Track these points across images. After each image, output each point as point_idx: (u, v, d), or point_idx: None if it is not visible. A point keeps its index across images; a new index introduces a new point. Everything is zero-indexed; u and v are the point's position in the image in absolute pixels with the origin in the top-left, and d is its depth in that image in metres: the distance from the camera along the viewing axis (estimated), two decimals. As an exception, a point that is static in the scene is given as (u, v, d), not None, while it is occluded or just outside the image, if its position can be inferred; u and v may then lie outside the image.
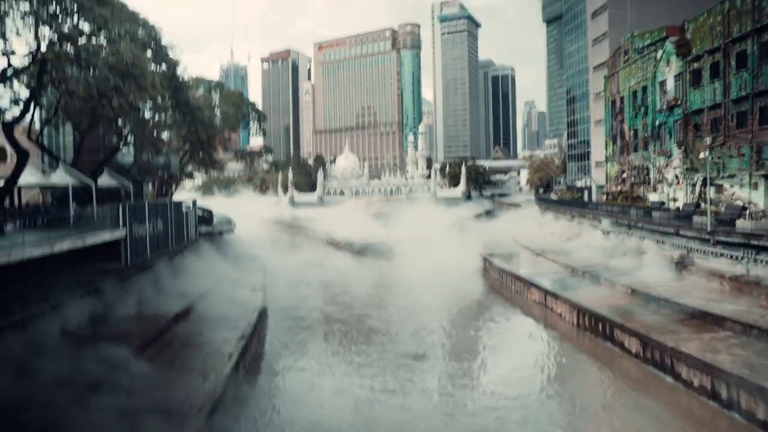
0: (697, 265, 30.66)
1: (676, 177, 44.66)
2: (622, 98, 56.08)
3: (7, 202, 27.11)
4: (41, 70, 25.37)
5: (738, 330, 20.87)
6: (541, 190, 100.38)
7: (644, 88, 50.43)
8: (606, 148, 61.83)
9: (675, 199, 44.34)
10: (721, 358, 18.32)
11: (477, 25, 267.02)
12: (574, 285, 32.47)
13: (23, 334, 17.46)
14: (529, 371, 22.80)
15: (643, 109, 50.80)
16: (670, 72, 45.12)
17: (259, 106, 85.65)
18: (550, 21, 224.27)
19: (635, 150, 52.98)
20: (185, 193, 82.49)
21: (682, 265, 31.59)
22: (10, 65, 24.54)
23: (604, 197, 59.47)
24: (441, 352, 26.54)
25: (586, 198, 69.07)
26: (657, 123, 47.78)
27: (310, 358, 25.19)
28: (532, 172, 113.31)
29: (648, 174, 50.09)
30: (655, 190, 48.30)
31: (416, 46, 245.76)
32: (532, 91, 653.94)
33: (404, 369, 23.44)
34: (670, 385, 19.44)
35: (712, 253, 29.77)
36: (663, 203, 44.19)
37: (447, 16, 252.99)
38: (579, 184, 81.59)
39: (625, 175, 55.22)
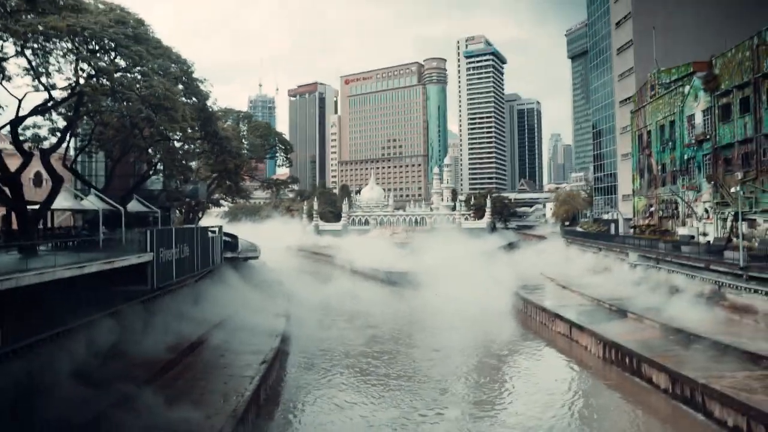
0: (729, 301, 29.89)
1: (706, 211, 43.88)
2: (649, 132, 55.70)
3: (41, 224, 27.84)
4: (78, 103, 26.41)
5: (774, 368, 20.21)
6: (566, 223, 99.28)
7: (672, 123, 50.05)
8: (633, 182, 61.21)
9: (705, 234, 43.46)
10: (758, 398, 17.64)
11: (502, 60, 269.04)
12: (600, 318, 31.91)
13: (52, 350, 17.82)
14: (555, 405, 22.27)
15: (670, 143, 50.34)
16: (698, 107, 44.77)
17: (286, 137, 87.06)
18: (575, 57, 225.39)
19: (663, 184, 52.33)
20: (212, 220, 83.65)
21: (713, 300, 30.83)
22: (51, 98, 25.57)
23: (632, 230, 58.63)
24: (464, 385, 25.93)
25: (612, 231, 68.13)
26: (685, 157, 47.23)
27: (330, 391, 24.71)
28: (557, 205, 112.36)
29: (677, 208, 49.34)
30: (684, 224, 47.48)
31: (442, 80, 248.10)
32: (558, 124, 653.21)
33: (428, 396, 23.01)
34: (701, 424, 18.82)
35: (745, 288, 29.01)
36: (692, 237, 43.36)
37: (472, 52, 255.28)
38: (605, 217, 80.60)
39: (653, 209, 54.46)
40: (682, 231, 46.84)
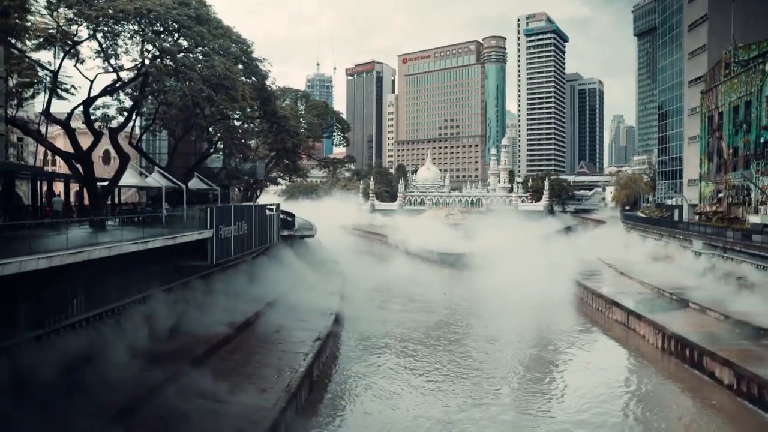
0: (803, 294, 28.31)
1: (782, 198, 41.52)
2: (720, 114, 52.88)
3: (109, 200, 29.18)
4: (144, 83, 27.39)
5: None
6: (627, 208, 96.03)
7: (747, 104, 47.30)
8: (700, 166, 58.47)
9: (779, 222, 41.15)
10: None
11: (564, 38, 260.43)
12: (659, 307, 30.87)
13: (117, 321, 18.78)
14: (611, 399, 21.59)
15: (745, 125, 47.64)
16: (777, 86, 42.15)
17: (343, 116, 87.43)
18: (642, 34, 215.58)
19: (734, 169, 49.73)
20: (270, 198, 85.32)
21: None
22: (119, 79, 26.63)
23: (697, 217, 56.14)
24: (517, 377, 25.40)
25: (676, 217, 65.43)
26: (762, 140, 44.61)
27: (380, 375, 24.59)
28: (618, 189, 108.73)
29: (748, 194, 46.83)
30: (756, 211, 45.02)
31: (501, 59, 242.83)
32: (621, 105, 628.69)
33: (479, 391, 22.70)
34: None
35: (820, 281, 27.41)
36: (766, 226, 41.13)
37: (533, 30, 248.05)
38: (669, 202, 77.43)
39: (721, 195, 51.91)
40: (753, 219, 44.44)
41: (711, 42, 66.03)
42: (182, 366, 17.70)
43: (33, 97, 29.38)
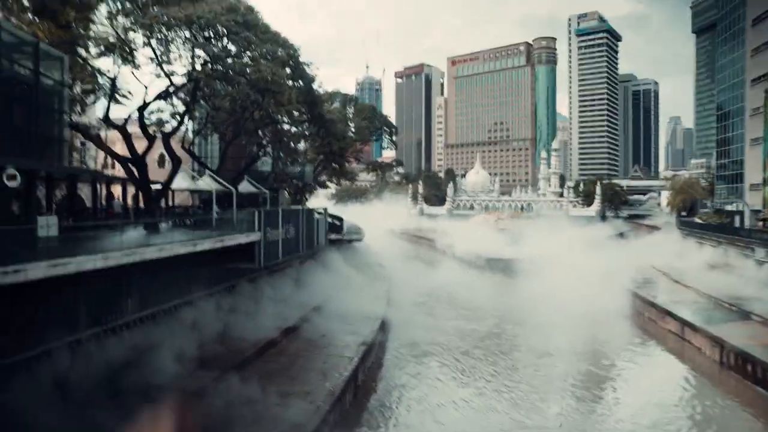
0: None
1: None
2: (786, 114, 50.42)
3: (162, 203, 30.14)
4: (195, 88, 28.18)
5: None
6: (683, 213, 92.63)
7: (814, 104, 44.96)
8: (764, 170, 55.89)
9: None
10: None
11: (617, 38, 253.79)
12: (717, 318, 29.57)
13: (168, 321, 19.38)
14: (668, 418, 20.42)
15: (812, 126, 45.30)
16: None
17: (392, 120, 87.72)
18: (700, 31, 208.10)
19: (801, 172, 47.32)
20: (319, 201, 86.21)
21: None
22: (172, 84, 27.52)
23: (760, 224, 53.61)
24: (568, 394, 24.34)
25: (736, 223, 62.65)
26: (829, 142, 42.33)
27: (424, 385, 24.00)
28: (673, 194, 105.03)
29: (815, 200, 44.49)
30: (824, 218, 42.76)
31: (551, 60, 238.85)
32: (677, 106, 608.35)
33: (528, 409, 21.74)
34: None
35: None
36: (833, 233, 38.98)
37: (585, 30, 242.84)
38: (729, 208, 74.21)
39: (787, 200, 49.46)
40: (821, 226, 42.25)
41: (776, 38, 63.13)
42: (229, 368, 18.05)
43: (94, 103, 30.65)
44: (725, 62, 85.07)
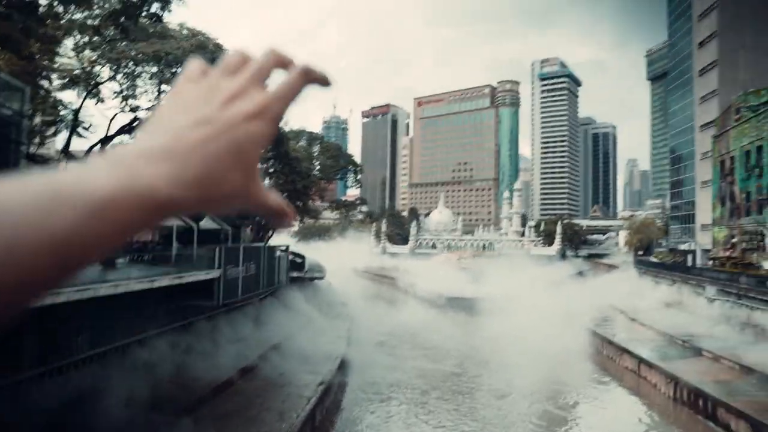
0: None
1: (796, 245, 41.07)
2: (732, 158, 52.95)
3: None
4: (160, 123, 28.18)
5: None
6: (640, 252, 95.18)
7: (759, 148, 47.39)
8: (713, 211, 58.22)
9: (795, 269, 40.62)
10: None
11: (578, 83, 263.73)
12: (671, 355, 30.25)
13: (123, 361, 18.82)
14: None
15: (757, 170, 47.64)
16: (788, 132, 42.26)
17: (358, 158, 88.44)
18: (655, 79, 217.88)
19: (747, 213, 49.44)
20: (282, 238, 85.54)
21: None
22: (137, 118, 27.49)
23: (710, 262, 55.52)
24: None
25: (689, 262, 64.76)
26: (773, 186, 44.53)
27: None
28: (631, 233, 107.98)
29: (762, 240, 46.39)
30: (770, 257, 44.55)
31: (515, 103, 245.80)
32: (634, 149, 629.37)
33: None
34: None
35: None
36: (780, 272, 40.58)
37: (547, 74, 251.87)
38: (682, 247, 76.76)
39: (735, 240, 51.42)
40: (768, 265, 43.97)
41: (721, 87, 66.71)
42: (183, 409, 17.60)
43: (54, 135, 30.29)
44: (676, 109, 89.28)
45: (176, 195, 0.56)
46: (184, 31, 31.03)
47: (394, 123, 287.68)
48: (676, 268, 59.01)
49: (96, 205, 0.51)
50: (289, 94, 0.71)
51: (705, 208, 65.68)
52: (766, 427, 19.09)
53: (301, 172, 47.10)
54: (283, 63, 0.73)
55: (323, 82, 0.74)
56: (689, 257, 67.38)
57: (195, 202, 0.58)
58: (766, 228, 45.04)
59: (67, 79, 25.63)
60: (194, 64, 0.74)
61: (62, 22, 24.09)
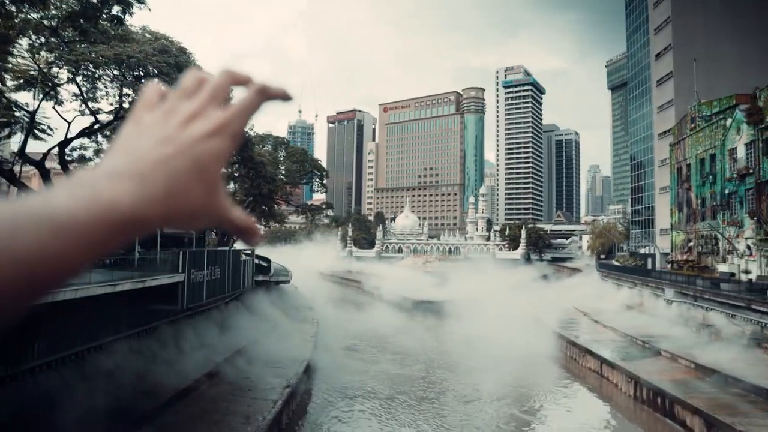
0: (771, 342, 28.75)
1: (749, 248, 42.55)
2: (688, 165, 54.61)
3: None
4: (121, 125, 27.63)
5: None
6: (602, 256, 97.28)
7: (712, 156, 49.01)
8: (671, 216, 59.87)
9: (747, 271, 42.06)
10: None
11: (541, 91, 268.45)
12: (632, 355, 31.02)
13: (83, 367, 18.32)
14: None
15: (711, 177, 49.23)
16: (740, 140, 43.80)
17: (324, 163, 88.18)
18: (615, 88, 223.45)
19: (702, 218, 51.06)
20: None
21: (754, 341, 29.71)
22: (97, 121, 26.87)
23: (669, 266, 57.15)
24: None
25: (649, 266, 66.51)
26: (727, 191, 46.07)
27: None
28: (593, 238, 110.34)
29: (716, 244, 47.98)
30: (724, 260, 46.07)
31: (480, 109, 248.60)
32: (596, 155, 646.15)
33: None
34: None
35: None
36: (733, 275, 42.02)
37: (511, 82, 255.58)
38: (642, 251, 78.78)
39: (691, 244, 53.07)
40: (722, 268, 45.47)
41: (677, 97, 68.82)
42: (144, 416, 17.25)
43: (9, 137, 29.37)
44: (636, 117, 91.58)
45: (140, 211, 0.57)
46: (147, 35, 30.56)
47: (360, 128, 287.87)
48: (637, 271, 60.58)
49: (58, 224, 0.51)
50: (246, 112, 0.74)
51: (664, 213, 67.51)
52: (718, 422, 19.78)
53: (267, 177, 46.76)
54: (240, 81, 0.76)
55: (282, 97, 0.76)
56: (649, 260, 69.32)
57: (160, 218, 0.59)
58: (719, 233, 46.58)
59: (21, 80, 24.92)
60: (151, 89, 0.77)
61: (16, 21, 23.43)
